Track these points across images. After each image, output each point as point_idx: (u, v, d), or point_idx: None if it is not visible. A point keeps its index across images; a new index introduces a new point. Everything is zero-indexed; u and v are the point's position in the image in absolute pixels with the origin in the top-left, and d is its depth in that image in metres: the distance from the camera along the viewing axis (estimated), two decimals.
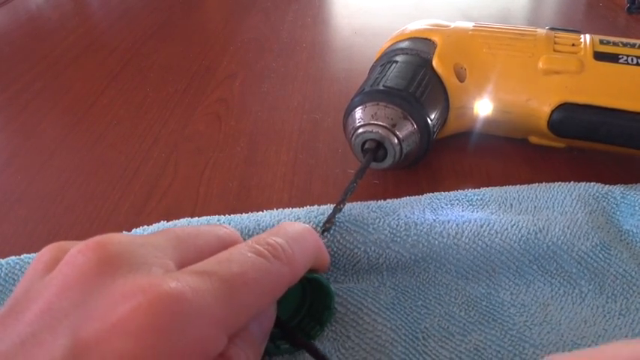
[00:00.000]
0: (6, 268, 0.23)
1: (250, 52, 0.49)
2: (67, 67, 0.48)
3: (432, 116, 0.30)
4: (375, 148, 0.28)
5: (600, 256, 0.23)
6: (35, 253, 0.24)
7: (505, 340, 0.21)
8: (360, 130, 0.29)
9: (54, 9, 0.64)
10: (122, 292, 0.15)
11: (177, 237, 0.18)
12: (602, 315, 0.21)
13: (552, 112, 0.29)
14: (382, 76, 0.30)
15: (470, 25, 0.34)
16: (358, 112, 0.29)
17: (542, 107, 0.30)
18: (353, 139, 0.30)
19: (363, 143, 0.29)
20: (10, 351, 0.14)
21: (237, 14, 0.60)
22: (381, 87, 0.29)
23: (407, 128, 0.29)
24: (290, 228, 0.19)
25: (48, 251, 0.17)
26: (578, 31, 0.32)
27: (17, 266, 0.24)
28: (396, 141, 0.28)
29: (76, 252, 0.16)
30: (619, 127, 0.28)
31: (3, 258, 0.24)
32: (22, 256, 0.24)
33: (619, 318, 0.21)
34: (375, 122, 0.28)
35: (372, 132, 0.28)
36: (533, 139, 0.32)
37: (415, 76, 0.30)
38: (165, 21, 0.59)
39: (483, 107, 0.31)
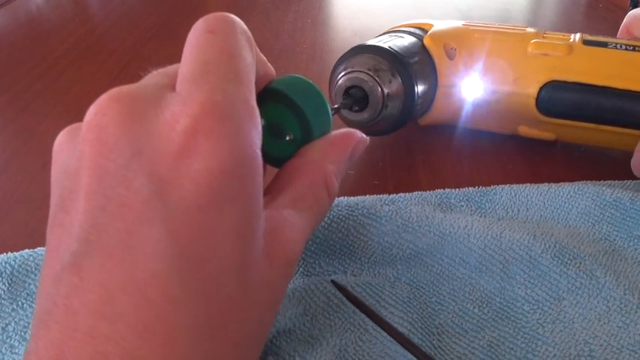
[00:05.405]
0: (19, 260, 0.23)
1: None
2: (67, 69, 0.47)
3: (418, 81, 0.29)
4: (358, 96, 0.28)
5: (609, 249, 0.23)
6: None
7: (518, 337, 0.20)
8: (343, 79, 0.29)
9: (54, 10, 0.64)
10: (170, 118, 0.14)
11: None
12: (619, 310, 0.21)
13: (540, 89, 0.29)
14: (372, 41, 0.31)
15: (460, 22, 0.34)
16: (344, 64, 0.29)
17: (531, 85, 0.30)
18: (335, 87, 0.29)
19: (346, 90, 0.29)
20: (99, 217, 0.13)
21: (237, 15, 0.60)
22: (369, 44, 0.30)
23: (391, 81, 0.28)
24: None
25: (63, 136, 0.17)
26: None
27: (30, 258, 0.23)
28: (379, 90, 0.28)
29: (94, 116, 0.15)
30: (607, 104, 0.28)
31: None
32: (36, 249, 0.24)
33: (636, 312, 0.21)
34: (360, 69, 0.28)
35: (356, 78, 0.28)
36: (523, 130, 0.32)
37: (405, 43, 0.30)
38: (166, 22, 0.58)
39: (472, 87, 0.31)
